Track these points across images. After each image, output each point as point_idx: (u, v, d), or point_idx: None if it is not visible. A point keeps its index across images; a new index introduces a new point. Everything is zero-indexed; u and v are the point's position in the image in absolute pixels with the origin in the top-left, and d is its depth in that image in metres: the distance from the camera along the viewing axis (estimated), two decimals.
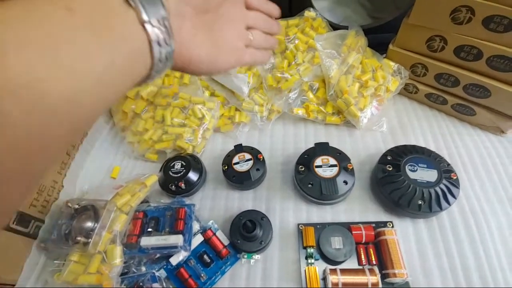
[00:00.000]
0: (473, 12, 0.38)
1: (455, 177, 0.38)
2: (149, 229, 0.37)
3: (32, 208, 0.38)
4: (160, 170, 0.44)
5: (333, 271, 0.35)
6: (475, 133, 0.47)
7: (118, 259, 0.33)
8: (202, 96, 0.50)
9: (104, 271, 0.33)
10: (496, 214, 0.39)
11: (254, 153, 0.44)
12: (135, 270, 0.36)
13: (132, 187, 0.40)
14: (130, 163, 0.49)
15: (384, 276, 0.35)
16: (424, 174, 0.39)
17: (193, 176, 0.43)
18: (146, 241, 0.35)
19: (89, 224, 0.34)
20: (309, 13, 0.53)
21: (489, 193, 0.41)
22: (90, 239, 0.33)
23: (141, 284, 0.34)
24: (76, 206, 0.36)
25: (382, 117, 0.49)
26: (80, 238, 0.33)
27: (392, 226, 0.39)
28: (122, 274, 0.35)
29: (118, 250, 0.34)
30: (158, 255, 0.36)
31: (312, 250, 0.37)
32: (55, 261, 0.36)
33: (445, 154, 0.45)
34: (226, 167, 0.43)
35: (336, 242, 0.37)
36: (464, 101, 0.46)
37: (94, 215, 0.35)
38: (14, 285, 0.36)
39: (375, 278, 0.34)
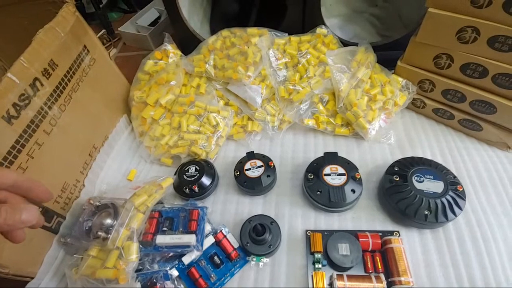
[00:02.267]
0: (478, 32, 0.40)
1: (461, 189, 0.39)
2: (164, 228, 0.39)
3: (56, 204, 0.40)
4: (175, 174, 0.46)
5: (340, 277, 0.36)
6: (482, 148, 0.48)
7: (134, 255, 0.35)
8: (217, 105, 0.53)
9: (121, 266, 0.34)
10: (502, 227, 0.39)
11: (265, 160, 0.46)
12: (149, 268, 0.37)
13: (149, 188, 0.42)
14: (146, 166, 0.52)
15: (390, 284, 0.35)
16: (431, 185, 0.40)
17: (206, 180, 0.45)
18: (161, 239, 0.37)
19: (108, 221, 0.36)
20: (321, 30, 0.56)
21: (496, 206, 0.41)
22: (109, 235, 0.35)
23: (154, 281, 0.35)
24: (98, 204, 0.38)
25: (390, 130, 0.51)
26: (101, 233, 0.35)
27: (399, 235, 0.39)
28: (136, 271, 0.36)
29: (134, 246, 0.35)
30: (171, 254, 0.38)
31: (319, 255, 0.38)
32: (74, 256, 0.38)
33: (452, 167, 0.46)
34: (238, 173, 0.45)
35: (343, 249, 0.37)
36: (471, 116, 0.48)
37: (113, 213, 0.37)
38: (33, 277, 0.38)
39: (381, 285, 0.35)
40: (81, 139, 0.46)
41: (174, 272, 0.38)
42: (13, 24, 0.52)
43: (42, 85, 0.38)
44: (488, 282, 0.35)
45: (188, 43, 0.61)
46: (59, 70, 0.41)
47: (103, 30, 0.84)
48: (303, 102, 0.52)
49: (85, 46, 0.46)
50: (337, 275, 0.36)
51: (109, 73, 0.54)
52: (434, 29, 0.43)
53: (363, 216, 0.42)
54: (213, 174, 0.46)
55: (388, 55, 0.55)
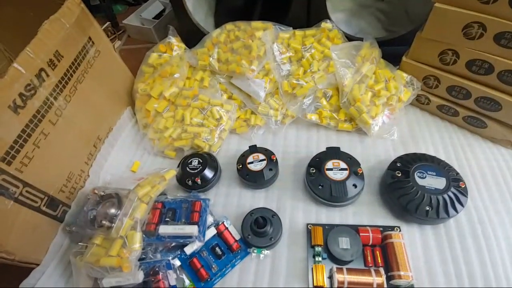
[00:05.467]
0: (485, 28, 0.39)
1: (463, 186, 0.39)
2: (167, 219, 0.39)
3: (61, 194, 0.41)
4: (178, 166, 0.47)
5: (340, 270, 0.36)
6: (486, 146, 0.48)
7: (137, 244, 0.35)
8: (220, 99, 0.53)
9: (124, 254, 0.35)
10: (504, 225, 0.39)
11: (268, 154, 0.46)
12: (151, 257, 0.38)
13: (152, 179, 0.42)
14: (149, 158, 0.52)
15: (389, 278, 0.36)
16: (433, 181, 0.40)
17: (208, 173, 0.46)
18: (164, 229, 0.38)
19: (113, 210, 0.37)
20: (325, 25, 0.56)
21: (498, 204, 0.41)
22: (113, 224, 0.35)
23: (157, 270, 0.36)
24: (102, 193, 0.39)
25: (393, 126, 0.51)
26: (105, 222, 0.35)
27: (400, 231, 0.40)
28: (139, 260, 0.37)
29: (138, 236, 0.36)
30: (173, 244, 0.38)
31: (319, 248, 0.39)
32: (79, 244, 0.38)
33: (455, 164, 0.46)
34: (241, 166, 0.45)
35: (344, 243, 0.38)
36: (476, 113, 0.47)
37: (117, 203, 0.37)
38: (39, 264, 0.39)
39: (381, 279, 0.35)
40: (86, 130, 0.47)
41: (176, 262, 0.38)
42: (18, 15, 0.53)
43: (47, 75, 0.38)
44: (488, 279, 0.35)
45: (192, 36, 0.61)
46: (65, 61, 0.41)
47: (108, 23, 0.84)
48: (307, 96, 0.52)
49: (90, 38, 0.46)
50: (337, 268, 0.36)
51: (113, 65, 0.54)
52: (440, 24, 0.43)
53: (364, 211, 0.42)
54: (215, 167, 0.47)
55: (393, 51, 0.54)
